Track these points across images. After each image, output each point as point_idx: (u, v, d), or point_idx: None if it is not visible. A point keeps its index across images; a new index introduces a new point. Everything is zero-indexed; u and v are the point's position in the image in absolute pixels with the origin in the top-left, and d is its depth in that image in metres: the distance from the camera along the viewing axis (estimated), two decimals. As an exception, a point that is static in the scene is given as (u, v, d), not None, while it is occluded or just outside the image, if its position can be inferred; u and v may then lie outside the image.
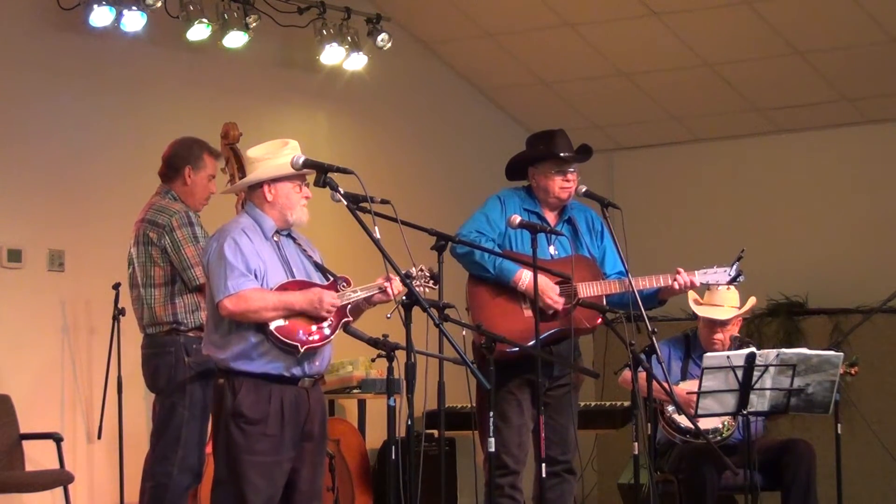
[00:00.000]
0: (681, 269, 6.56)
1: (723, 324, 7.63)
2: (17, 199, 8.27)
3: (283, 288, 5.61)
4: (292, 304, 5.56)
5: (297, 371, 5.62)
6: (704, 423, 7.15)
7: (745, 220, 10.69)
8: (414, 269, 5.71)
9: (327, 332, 5.63)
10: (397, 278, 5.62)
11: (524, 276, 6.45)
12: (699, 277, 6.60)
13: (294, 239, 5.82)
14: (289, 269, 5.70)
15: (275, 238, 5.72)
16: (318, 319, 5.60)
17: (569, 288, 6.46)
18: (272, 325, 5.54)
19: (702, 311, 7.64)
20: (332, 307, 5.60)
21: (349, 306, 5.69)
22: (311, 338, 5.59)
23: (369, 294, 5.71)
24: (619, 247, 6.50)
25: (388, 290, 5.67)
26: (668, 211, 11.04)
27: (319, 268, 5.81)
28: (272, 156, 5.70)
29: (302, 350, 5.57)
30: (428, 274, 5.73)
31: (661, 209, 11.00)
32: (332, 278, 5.75)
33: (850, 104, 10.24)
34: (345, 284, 5.72)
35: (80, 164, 8.54)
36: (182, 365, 6.48)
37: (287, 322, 5.56)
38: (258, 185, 5.73)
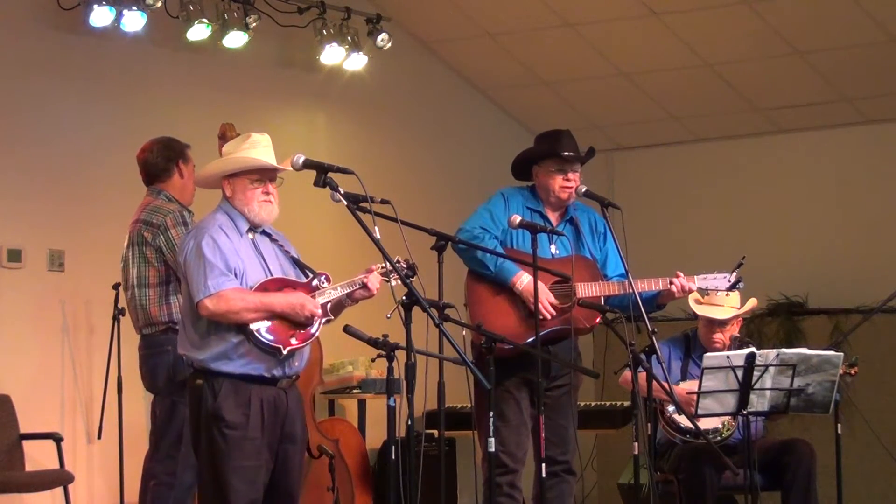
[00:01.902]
0: (679, 273, 6.56)
1: (722, 324, 7.63)
2: (18, 199, 8.27)
3: (263, 287, 5.55)
4: (273, 306, 5.51)
5: (277, 372, 5.57)
6: (704, 423, 7.15)
7: (745, 220, 10.69)
8: (384, 264, 5.63)
9: (309, 332, 5.59)
10: (375, 272, 5.61)
11: (522, 279, 6.44)
12: (699, 282, 6.60)
13: (269, 235, 5.75)
14: (266, 267, 5.64)
15: (250, 235, 5.65)
16: (299, 323, 5.56)
17: (567, 288, 6.45)
18: (254, 327, 5.49)
19: (701, 311, 7.64)
20: (313, 314, 5.55)
21: (329, 305, 5.65)
22: (292, 339, 5.55)
23: (350, 290, 5.67)
24: (620, 248, 6.50)
25: (369, 284, 5.64)
26: (668, 211, 11.04)
27: (297, 264, 5.76)
28: (234, 150, 5.66)
29: (284, 352, 5.53)
30: (404, 265, 5.67)
31: (661, 209, 10.99)
32: (310, 275, 5.70)
33: (850, 104, 10.24)
34: (325, 282, 5.68)
35: (80, 164, 8.55)
36: (181, 364, 6.46)
37: (268, 324, 5.51)
38: (222, 181, 5.68)
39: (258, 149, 5.64)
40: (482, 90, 10.91)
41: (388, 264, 5.54)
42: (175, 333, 6.49)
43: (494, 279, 6.51)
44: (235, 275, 5.51)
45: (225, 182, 5.66)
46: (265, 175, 5.64)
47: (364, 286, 5.67)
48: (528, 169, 6.73)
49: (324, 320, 5.63)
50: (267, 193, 5.64)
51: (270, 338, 5.50)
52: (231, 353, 5.50)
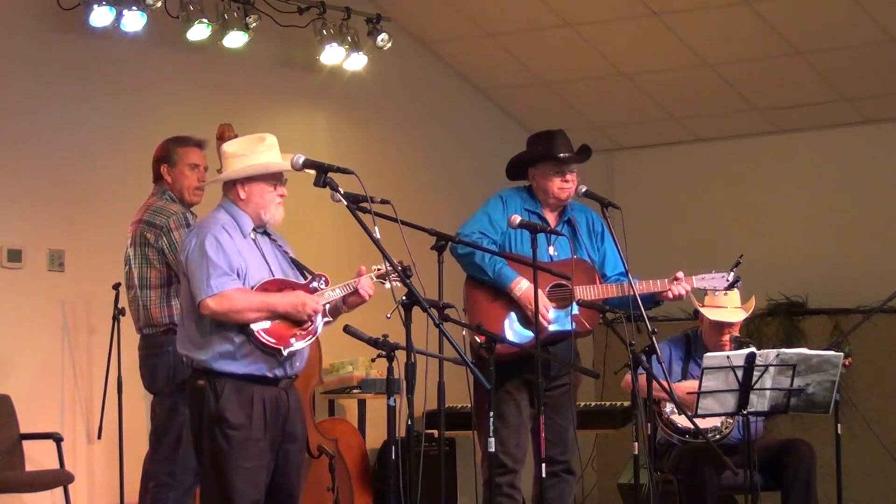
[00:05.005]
0: (679, 275, 6.54)
1: (731, 325, 7.63)
2: (17, 199, 8.27)
3: (263, 288, 5.55)
4: (275, 306, 5.52)
5: (279, 372, 5.58)
6: (703, 423, 7.14)
7: (744, 220, 10.69)
8: (384, 266, 5.62)
9: (310, 333, 5.59)
10: (365, 276, 5.62)
11: (521, 284, 6.44)
12: (697, 282, 6.60)
13: (269, 235, 5.75)
14: (268, 267, 5.64)
15: (252, 236, 5.65)
16: (299, 322, 5.58)
17: (566, 291, 6.45)
18: (255, 327, 5.50)
19: (713, 315, 7.60)
20: (314, 311, 5.56)
21: (328, 306, 5.66)
22: (293, 340, 5.56)
23: (345, 293, 5.67)
24: (619, 247, 6.50)
25: (360, 290, 5.64)
26: (668, 211, 11.04)
27: (295, 264, 5.76)
28: (247, 153, 5.61)
29: (285, 353, 5.54)
30: (399, 268, 5.64)
31: (661, 209, 10.99)
32: (308, 276, 5.71)
33: (850, 104, 10.24)
34: (323, 283, 5.69)
35: (80, 164, 8.54)
36: (181, 364, 6.45)
37: (269, 324, 5.52)
38: (232, 183, 5.65)
39: (274, 150, 5.63)
40: (482, 90, 10.91)
41: (385, 265, 5.54)
42: (175, 335, 6.50)
43: (493, 284, 6.51)
44: (238, 275, 5.52)
45: (240, 186, 5.62)
46: (279, 177, 5.66)
47: (355, 292, 5.67)
48: (523, 170, 6.73)
49: (324, 321, 5.64)
50: (282, 196, 5.66)
51: (271, 338, 5.50)
52: (234, 353, 5.51)
